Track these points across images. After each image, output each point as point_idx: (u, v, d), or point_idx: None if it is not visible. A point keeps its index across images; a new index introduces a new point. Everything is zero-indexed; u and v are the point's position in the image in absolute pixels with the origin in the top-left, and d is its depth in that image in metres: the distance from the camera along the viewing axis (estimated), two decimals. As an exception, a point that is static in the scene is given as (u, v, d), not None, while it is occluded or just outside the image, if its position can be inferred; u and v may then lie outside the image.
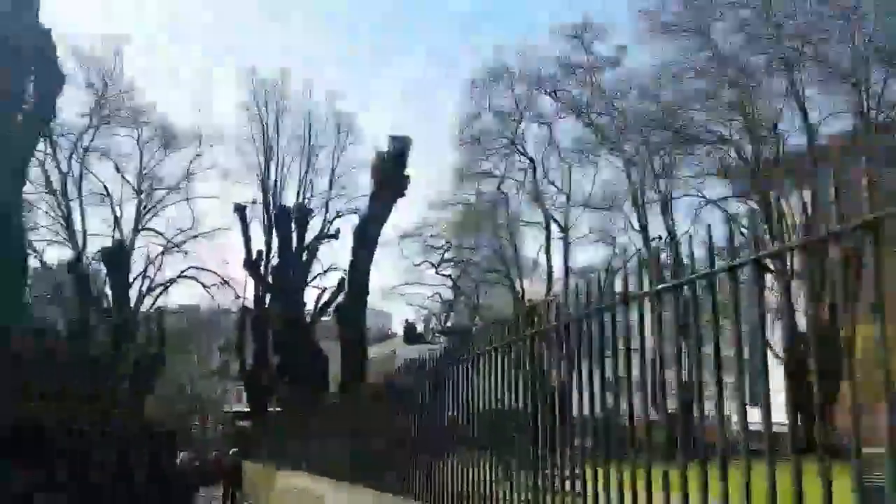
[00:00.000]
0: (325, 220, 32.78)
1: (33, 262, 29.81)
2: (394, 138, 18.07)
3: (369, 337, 32.83)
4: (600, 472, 3.40)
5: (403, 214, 44.86)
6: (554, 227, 32.09)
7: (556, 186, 32.94)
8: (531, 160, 32.86)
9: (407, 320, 45.87)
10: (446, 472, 5.54)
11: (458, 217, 34.53)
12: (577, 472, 3.69)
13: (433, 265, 35.57)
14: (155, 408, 26.24)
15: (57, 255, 30.61)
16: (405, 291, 36.38)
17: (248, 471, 20.14)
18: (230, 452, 20.77)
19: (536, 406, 4.19)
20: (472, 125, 32.35)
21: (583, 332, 3.68)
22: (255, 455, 21.31)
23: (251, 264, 27.90)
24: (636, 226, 29.44)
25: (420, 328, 45.20)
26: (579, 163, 32.11)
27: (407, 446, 6.97)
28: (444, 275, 36.13)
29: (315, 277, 31.38)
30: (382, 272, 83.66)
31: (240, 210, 28.91)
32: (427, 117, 78.49)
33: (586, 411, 3.62)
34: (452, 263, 36.15)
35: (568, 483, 3.74)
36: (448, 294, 36.24)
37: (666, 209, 28.55)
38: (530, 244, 34.61)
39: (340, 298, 24.28)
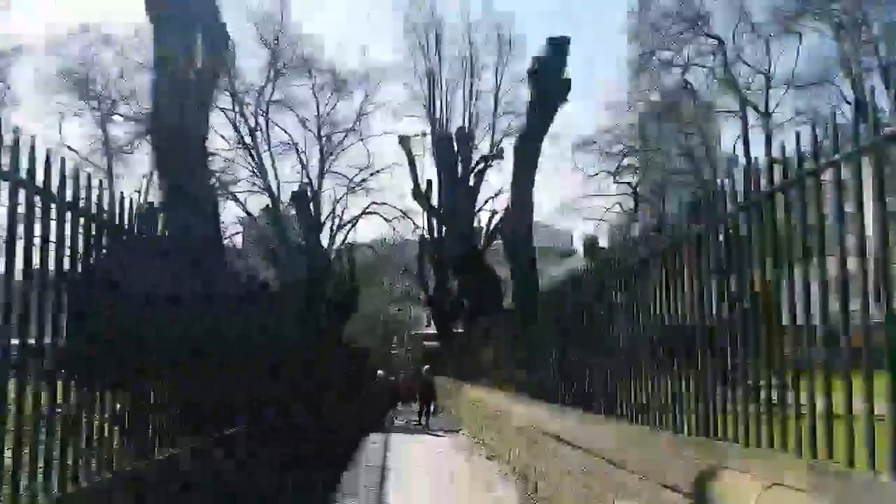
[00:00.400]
0: (492, 142, 32.76)
1: (238, 212, 33.75)
2: (550, 40, 16.88)
3: (549, 256, 32.61)
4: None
5: (574, 124, 43.22)
6: (751, 113, 28.71)
7: (751, 66, 29.29)
8: (719, 41, 29.45)
9: (587, 235, 44.69)
10: (632, 384, 5.30)
11: (637, 117, 32.30)
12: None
13: (611, 174, 33.79)
14: (354, 335, 28.70)
15: (258, 203, 34.06)
16: (582, 206, 34.96)
17: (439, 386, 21.55)
18: (423, 370, 22.24)
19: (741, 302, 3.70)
20: (646, 12, 29.78)
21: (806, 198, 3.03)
22: (443, 372, 22.70)
23: (420, 195, 28.80)
24: (852, 101, 25.45)
25: (603, 242, 43.68)
26: (777, 36, 28.10)
27: (581, 358, 6.84)
28: (623, 183, 34.14)
29: (486, 201, 31.85)
30: (556, 189, 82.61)
31: (404, 142, 29.78)
32: (596, 12, 73.20)
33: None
34: (632, 169, 33.99)
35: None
36: (630, 203, 34.09)
37: (889, 77, 24.22)
38: (724, 138, 31.63)
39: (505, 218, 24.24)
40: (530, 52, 20.28)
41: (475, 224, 29.43)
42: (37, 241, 3.22)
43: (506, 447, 9.02)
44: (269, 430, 6.93)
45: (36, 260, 3.25)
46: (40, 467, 3.19)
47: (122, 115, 32.47)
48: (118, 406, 4.02)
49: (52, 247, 3.43)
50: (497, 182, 32.46)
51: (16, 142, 3.05)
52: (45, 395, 3.29)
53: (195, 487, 4.69)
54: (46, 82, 32.32)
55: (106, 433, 3.79)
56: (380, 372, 24.16)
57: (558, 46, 17.48)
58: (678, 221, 4.45)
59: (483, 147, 31.93)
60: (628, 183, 33.98)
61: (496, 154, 30.58)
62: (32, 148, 3.15)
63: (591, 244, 43.87)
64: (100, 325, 3.83)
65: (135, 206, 4.32)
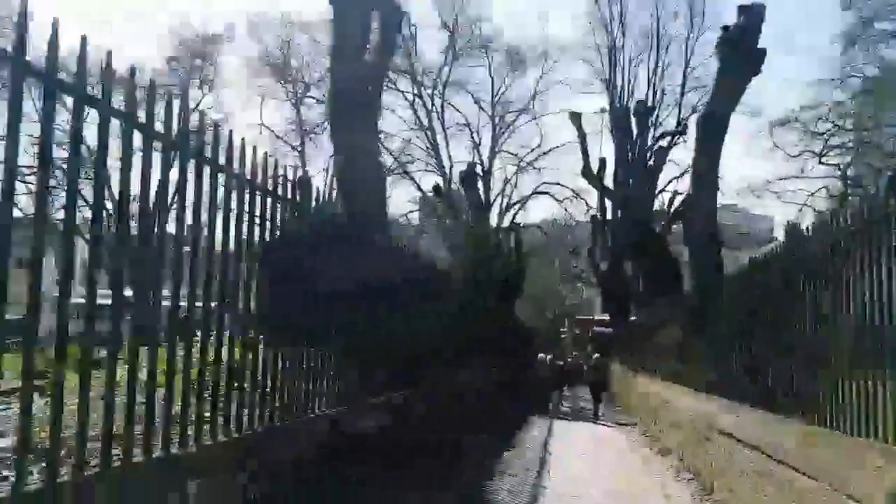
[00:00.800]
0: (678, 120, 30.81)
1: (413, 192, 35.27)
2: (742, 8, 15.53)
3: (745, 241, 30.12)
4: None
5: (775, 100, 39.31)
6: None
7: None
8: (952, 5, 25.17)
9: (789, 221, 40.34)
10: (822, 381, 4.82)
11: (847, 93, 28.67)
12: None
13: (816, 154, 30.35)
14: (521, 316, 28.83)
15: (432, 183, 35.39)
16: (782, 189, 31.63)
17: (610, 373, 21.01)
18: (593, 357, 21.82)
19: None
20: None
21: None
22: (614, 358, 22.07)
23: (590, 173, 27.96)
24: None
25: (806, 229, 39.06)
26: None
27: (768, 351, 6.32)
28: (830, 164, 30.54)
29: (670, 182, 30.11)
30: (751, 168, 76.15)
31: (574, 118, 29.03)
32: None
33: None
34: (841, 150, 30.28)
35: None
36: (838, 186, 30.28)
37: None
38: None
39: (686, 199, 22.75)
40: (725, 21, 18.62)
41: (656, 205, 27.97)
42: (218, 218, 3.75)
43: (678, 442, 8.61)
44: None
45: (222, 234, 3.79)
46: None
47: (314, 98, 35.10)
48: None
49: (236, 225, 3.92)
50: (683, 161, 30.25)
51: (216, 135, 3.51)
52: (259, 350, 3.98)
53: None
54: (249, 67, 35.80)
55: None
56: (541, 355, 23.91)
57: (752, 13, 16.00)
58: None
59: (668, 125, 30.21)
60: (836, 165, 30.17)
61: (679, 130, 28.72)
62: (230, 139, 3.61)
63: (793, 230, 39.22)
64: (289, 292, 4.34)
65: (321, 190, 4.78)
